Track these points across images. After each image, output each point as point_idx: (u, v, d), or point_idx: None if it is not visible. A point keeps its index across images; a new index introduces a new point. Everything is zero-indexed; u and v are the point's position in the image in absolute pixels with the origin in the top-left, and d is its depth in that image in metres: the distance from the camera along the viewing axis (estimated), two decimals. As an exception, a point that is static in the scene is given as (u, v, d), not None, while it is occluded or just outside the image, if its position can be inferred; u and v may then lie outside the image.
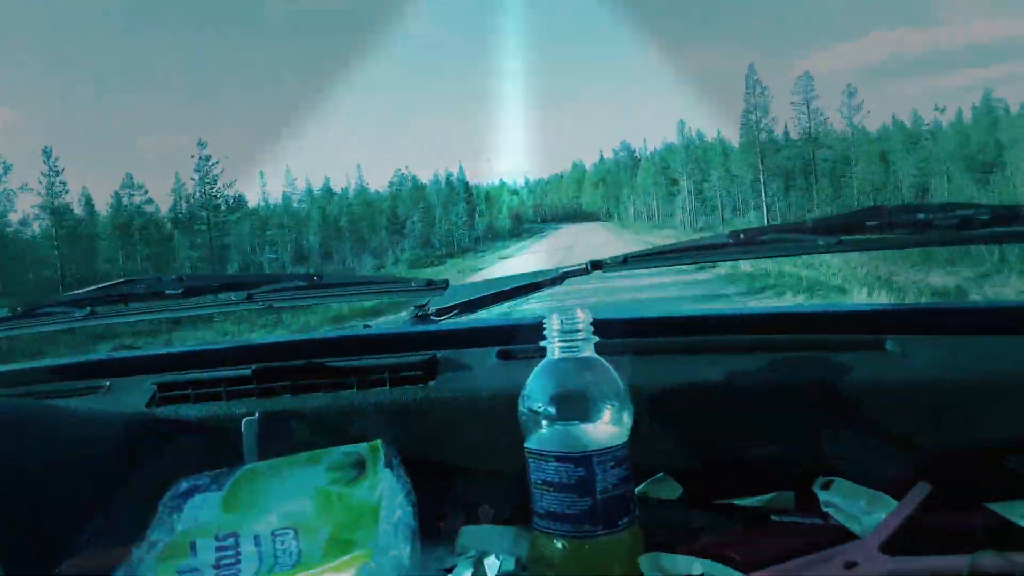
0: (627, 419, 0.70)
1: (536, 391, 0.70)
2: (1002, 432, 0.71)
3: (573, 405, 0.68)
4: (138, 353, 1.00)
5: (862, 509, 0.72)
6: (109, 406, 0.91)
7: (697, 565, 0.65)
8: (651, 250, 0.84)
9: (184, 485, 0.79)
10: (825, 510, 0.73)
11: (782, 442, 0.76)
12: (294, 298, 0.93)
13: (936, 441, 0.73)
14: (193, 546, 0.70)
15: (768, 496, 0.76)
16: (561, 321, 0.71)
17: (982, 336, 0.78)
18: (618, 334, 0.87)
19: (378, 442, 0.80)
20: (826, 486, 0.75)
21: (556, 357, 0.71)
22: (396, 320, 1.13)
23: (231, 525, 0.72)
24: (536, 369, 0.71)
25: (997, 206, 0.72)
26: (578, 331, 0.71)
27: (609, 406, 0.69)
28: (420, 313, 1.10)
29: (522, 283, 1.02)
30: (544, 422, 0.68)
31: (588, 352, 0.71)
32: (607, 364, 0.71)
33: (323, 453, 0.80)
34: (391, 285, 0.95)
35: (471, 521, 0.80)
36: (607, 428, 0.68)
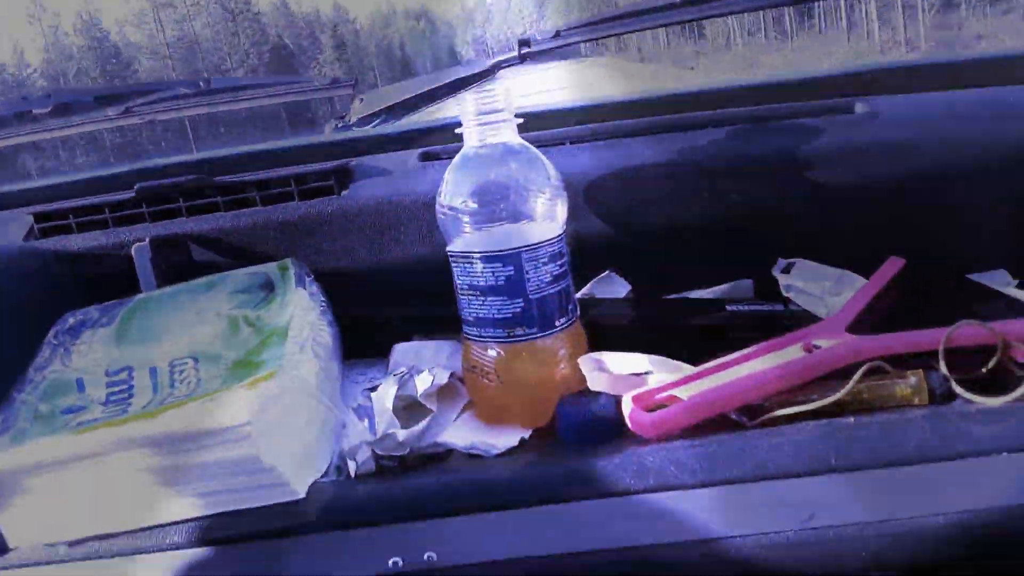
0: (561, 210, 0.61)
1: (453, 186, 0.60)
2: (977, 191, 0.64)
3: (495, 197, 0.59)
4: (11, 187, 0.88)
5: (827, 290, 0.65)
6: None
7: (643, 361, 0.58)
8: (586, 20, 0.72)
9: (70, 319, 0.70)
10: (786, 295, 0.66)
11: (741, 223, 0.68)
12: (180, 108, 0.80)
13: (910, 209, 0.66)
14: (80, 383, 0.62)
15: (723, 286, 0.69)
16: (476, 102, 0.60)
17: (956, 91, 0.69)
18: (552, 125, 0.77)
19: (287, 260, 0.71)
20: (787, 269, 0.67)
21: (474, 144, 0.61)
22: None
23: (124, 359, 0.64)
24: (452, 162, 0.61)
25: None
26: (498, 111, 0.60)
27: (538, 196, 0.59)
28: (340, 125, 0.98)
29: (450, 80, 0.90)
30: (465, 220, 0.59)
31: (511, 136, 0.61)
32: (534, 149, 0.61)
33: (226, 276, 0.71)
34: (290, 86, 0.82)
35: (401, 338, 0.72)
36: (537, 222, 0.59)
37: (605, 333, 0.64)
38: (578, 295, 0.70)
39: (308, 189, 0.75)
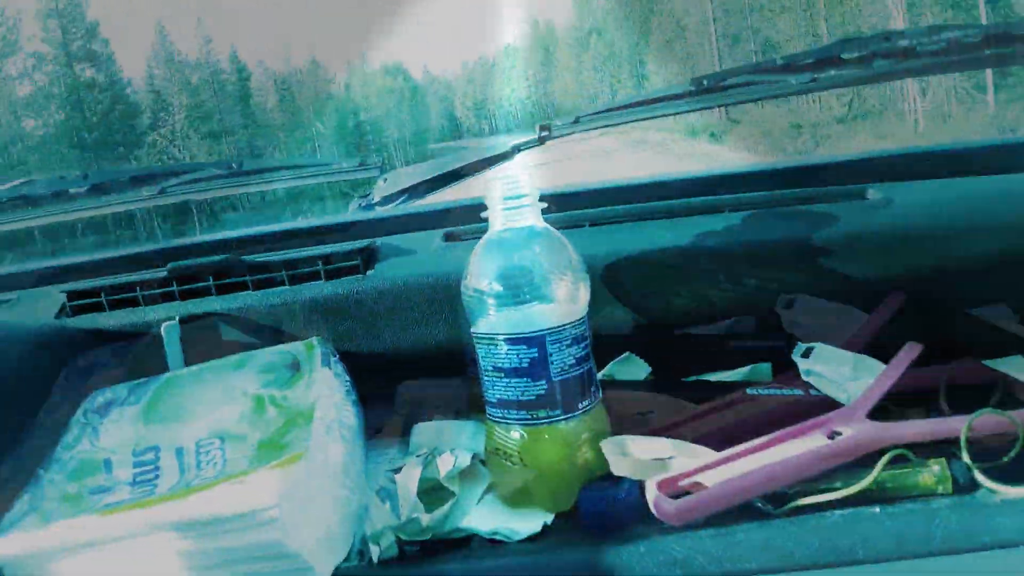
0: (583, 293, 0.62)
1: (478, 268, 0.62)
2: (993, 279, 0.65)
3: (520, 280, 0.60)
4: (45, 263, 0.91)
5: (847, 375, 0.65)
6: (16, 319, 0.81)
7: (666, 446, 0.59)
8: (604, 107, 0.75)
9: (99, 398, 0.71)
10: (806, 380, 0.66)
11: (758, 307, 0.69)
12: (211, 188, 0.83)
13: (925, 294, 0.66)
14: (108, 463, 0.63)
15: (743, 370, 0.70)
16: (502, 187, 0.62)
17: (967, 178, 0.70)
18: (572, 207, 0.79)
19: (314, 340, 0.72)
20: (807, 353, 0.68)
21: (499, 228, 0.62)
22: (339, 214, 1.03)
23: (151, 439, 0.65)
24: (478, 244, 0.63)
25: (988, 26, 0.63)
26: (522, 196, 0.62)
27: (561, 279, 0.61)
28: (364, 204, 1.01)
29: (471, 161, 0.93)
30: (490, 302, 0.60)
31: (535, 221, 0.63)
32: (557, 233, 0.63)
33: (253, 355, 0.72)
34: (319, 168, 0.85)
35: (424, 418, 0.73)
36: (560, 304, 0.60)
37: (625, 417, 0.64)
38: (599, 375, 0.70)
39: (335, 269, 0.77)
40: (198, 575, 0.52)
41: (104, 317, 0.79)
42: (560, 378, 0.60)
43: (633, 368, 0.72)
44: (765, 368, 0.70)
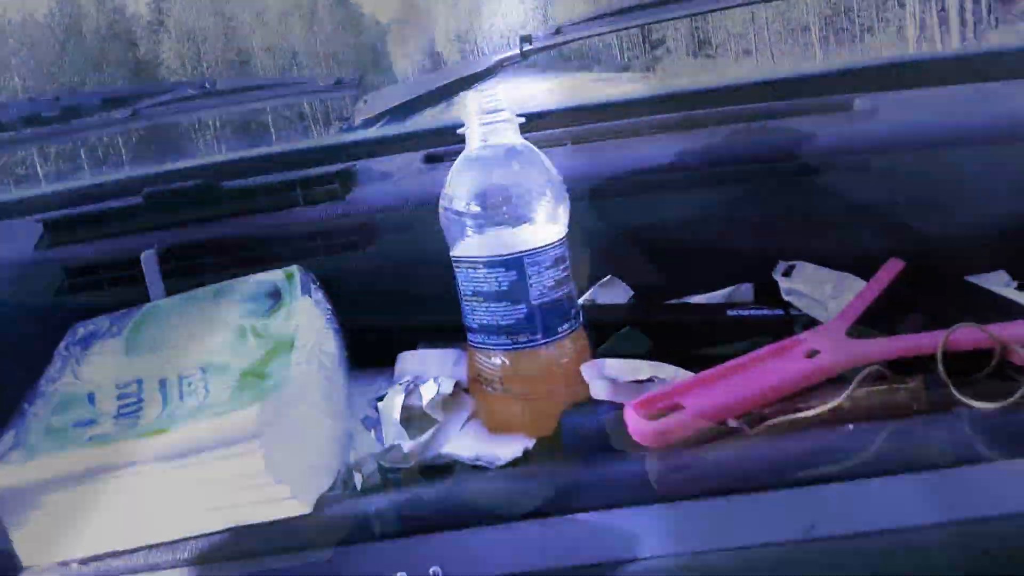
0: (563, 214, 0.61)
1: (455, 189, 0.61)
2: (977, 189, 0.64)
3: (497, 200, 0.59)
4: (20, 194, 0.89)
5: (828, 294, 0.65)
6: None
7: (644, 368, 0.59)
8: (587, 16, 0.72)
9: (80, 330, 0.71)
10: (786, 299, 0.66)
11: (742, 224, 0.68)
12: (185, 110, 0.80)
13: (911, 208, 0.66)
14: (91, 396, 0.63)
15: (724, 291, 0.70)
16: (479, 102, 0.60)
17: (954, 85, 0.68)
18: (553, 125, 0.77)
19: (294, 268, 0.71)
20: (787, 272, 0.67)
21: (476, 146, 0.61)
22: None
23: (134, 371, 0.65)
24: (454, 164, 0.61)
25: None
26: (499, 111, 0.60)
27: (541, 198, 0.60)
28: (345, 126, 0.99)
29: (453, 79, 0.90)
30: (468, 224, 0.59)
31: (513, 138, 0.61)
32: (536, 150, 0.61)
33: (233, 284, 0.71)
34: (294, 87, 0.82)
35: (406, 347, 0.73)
36: (539, 225, 0.59)
37: (607, 338, 0.64)
38: (580, 300, 0.70)
39: (313, 194, 0.76)
40: (182, 505, 0.53)
41: (81, 247, 0.78)
42: (540, 301, 0.59)
43: (615, 291, 0.71)
44: (747, 288, 0.69)
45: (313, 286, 0.70)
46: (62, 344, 0.69)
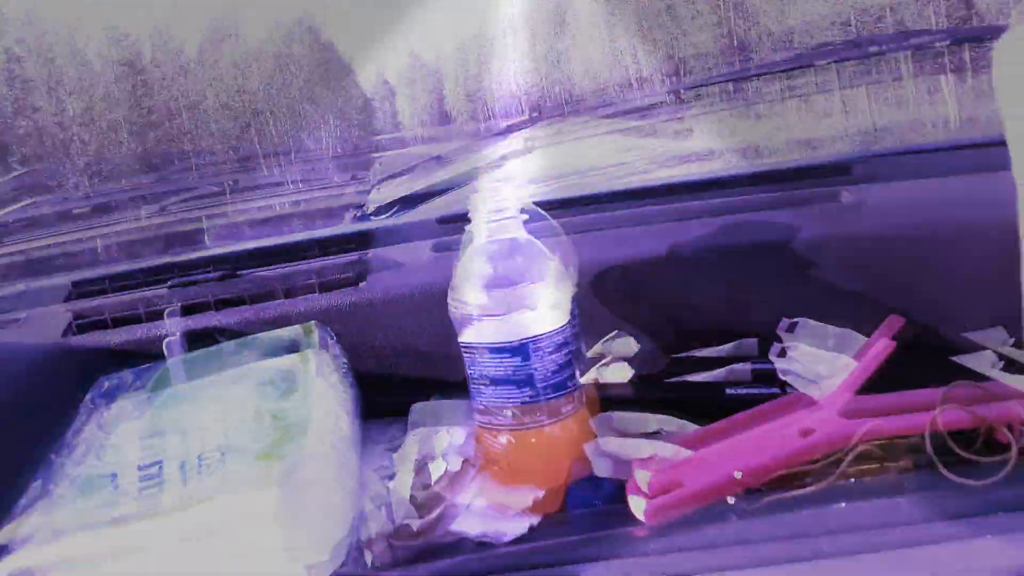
0: (565, 301, 0.65)
1: (462, 281, 0.64)
2: (966, 276, 0.67)
3: (501, 291, 0.62)
4: (51, 281, 0.94)
5: (821, 374, 0.67)
6: (25, 338, 0.85)
7: (647, 446, 0.61)
8: (586, 119, 0.77)
9: (105, 383, 0.75)
10: (783, 379, 0.69)
11: (736, 312, 0.71)
12: (208, 206, 0.85)
13: (898, 295, 0.69)
14: (114, 477, 0.66)
15: (729, 345, 0.72)
16: (486, 201, 0.64)
17: (939, 178, 0.72)
18: (555, 215, 0.81)
19: (311, 324, 0.75)
20: (783, 353, 0.70)
21: (482, 241, 0.65)
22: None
23: (155, 453, 0.68)
24: (461, 258, 0.65)
25: (959, 28, 0.65)
26: (504, 209, 0.64)
27: (543, 288, 0.63)
28: (359, 215, 1.04)
29: (463, 171, 0.95)
30: (473, 313, 0.63)
31: (517, 232, 0.65)
32: (538, 243, 0.65)
33: (256, 338, 0.75)
34: (312, 183, 0.88)
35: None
36: (543, 312, 0.62)
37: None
38: (589, 353, 0.73)
39: (329, 282, 0.80)
40: (202, 581, 0.55)
41: (109, 334, 0.81)
42: (543, 384, 0.62)
43: (623, 346, 0.74)
44: (751, 343, 0.72)
45: (331, 340, 0.74)
46: (87, 397, 0.73)
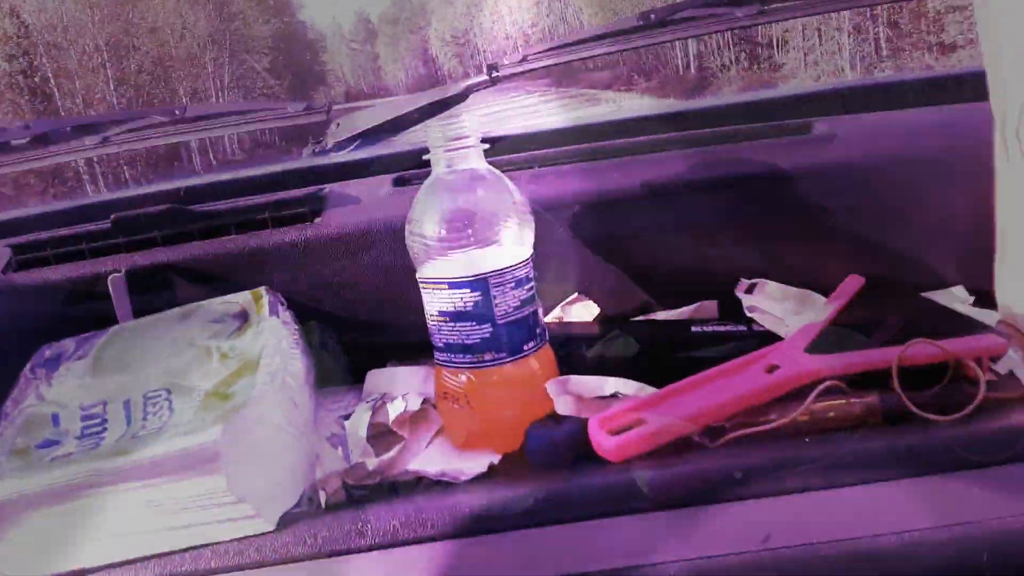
0: (527, 235, 0.62)
1: (421, 213, 0.61)
2: (932, 208, 0.66)
3: (460, 224, 0.60)
4: None
5: (789, 310, 0.66)
6: None
7: (608, 384, 0.59)
8: (550, 45, 0.74)
9: (46, 352, 0.70)
10: (749, 315, 0.67)
11: (705, 244, 0.70)
12: (156, 136, 0.81)
13: (869, 227, 0.67)
14: (56, 417, 0.63)
15: (688, 307, 0.71)
16: (443, 129, 0.61)
17: (910, 109, 0.70)
18: (519, 149, 0.78)
19: (261, 289, 0.72)
20: (750, 290, 0.69)
21: (441, 170, 0.62)
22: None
23: (98, 392, 0.65)
24: (420, 188, 0.62)
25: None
26: (464, 138, 0.61)
27: (504, 221, 0.60)
28: (317, 149, 1.00)
29: (423, 104, 0.91)
30: (431, 246, 0.60)
31: (478, 163, 0.62)
32: (499, 174, 0.62)
33: (200, 306, 0.72)
34: (265, 112, 0.83)
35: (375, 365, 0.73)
36: (502, 247, 0.60)
37: (573, 356, 0.65)
38: (547, 318, 0.71)
39: (282, 217, 0.76)
40: (146, 525, 0.53)
41: (50, 271, 0.78)
42: (505, 321, 0.60)
43: (582, 309, 0.72)
44: (711, 305, 0.71)
45: (281, 307, 0.70)
46: (28, 366, 0.69)
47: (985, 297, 0.61)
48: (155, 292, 0.76)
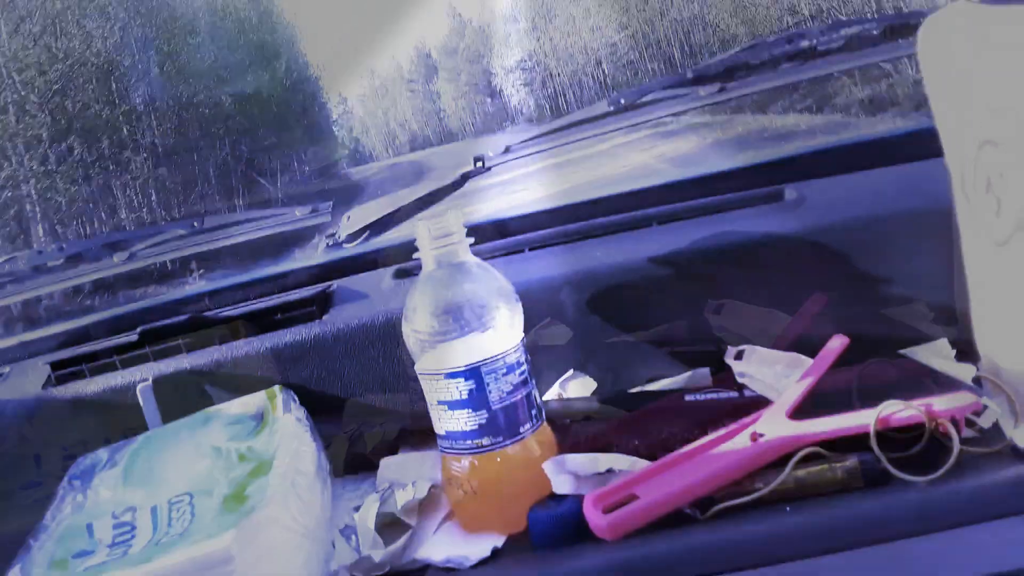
0: (516, 321, 0.65)
1: (413, 308, 0.65)
2: (906, 265, 0.67)
3: (450, 316, 0.63)
4: (31, 335, 0.96)
5: (779, 374, 0.68)
6: (7, 393, 0.86)
7: (602, 460, 0.62)
8: (533, 136, 0.78)
9: (83, 463, 0.75)
10: (740, 381, 0.69)
11: (690, 317, 0.72)
12: (179, 248, 0.87)
13: (847, 289, 0.69)
14: (90, 527, 0.67)
15: (682, 376, 0.73)
16: (429, 228, 0.65)
17: (879, 169, 0.72)
18: (499, 235, 0.82)
19: (275, 388, 0.76)
20: (738, 355, 0.70)
21: (430, 267, 0.66)
22: (310, 254, 1.07)
23: (129, 499, 0.69)
24: (412, 286, 0.66)
25: (886, 15, 0.65)
26: (449, 235, 0.65)
27: (492, 311, 0.64)
28: (331, 243, 1.05)
29: (423, 194, 0.96)
30: (425, 340, 0.64)
31: (465, 257, 0.66)
32: (486, 265, 0.66)
33: (219, 409, 0.76)
34: (274, 219, 0.89)
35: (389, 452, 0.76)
36: (492, 334, 0.63)
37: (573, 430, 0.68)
38: (545, 396, 0.74)
39: (291, 317, 0.81)
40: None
41: (85, 383, 0.83)
42: (500, 405, 0.63)
43: (579, 385, 0.75)
44: (703, 372, 0.72)
45: (294, 403, 0.74)
46: (66, 477, 0.74)
47: (968, 350, 0.62)
48: (182, 398, 0.80)
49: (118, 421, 0.80)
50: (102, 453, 0.75)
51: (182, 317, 0.82)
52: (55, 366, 0.85)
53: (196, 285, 0.93)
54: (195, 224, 0.89)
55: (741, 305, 0.69)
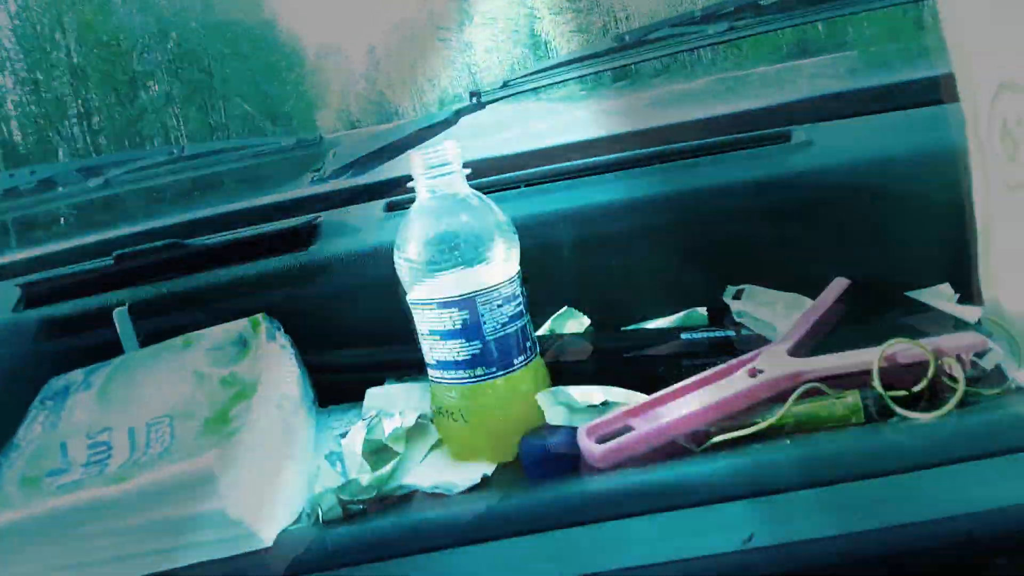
0: (512, 253, 0.64)
1: (407, 238, 0.63)
2: (913, 207, 0.66)
3: (448, 246, 0.61)
4: (2, 259, 0.92)
5: (777, 314, 0.67)
6: None
7: (597, 394, 0.61)
8: (532, 70, 0.76)
9: (56, 384, 0.73)
10: (738, 321, 0.68)
11: (691, 253, 0.71)
12: (155, 176, 0.84)
13: (852, 229, 0.68)
14: (63, 446, 0.65)
15: (677, 315, 0.72)
16: (424, 157, 0.63)
17: (887, 113, 0.71)
18: (505, 169, 0.80)
19: (259, 316, 0.74)
20: (737, 295, 0.70)
21: (424, 197, 0.64)
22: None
23: (105, 421, 0.67)
24: (405, 215, 0.64)
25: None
26: (445, 164, 0.63)
27: (489, 241, 0.62)
28: (315, 178, 1.02)
29: (414, 130, 0.94)
30: (419, 269, 0.62)
31: (460, 187, 0.64)
32: (483, 197, 0.64)
33: (201, 334, 0.73)
34: (259, 147, 0.86)
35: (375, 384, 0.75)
36: (487, 266, 0.62)
37: (565, 368, 0.66)
38: (538, 332, 0.72)
39: (277, 246, 0.78)
40: (147, 547, 0.54)
41: (57, 307, 0.80)
42: (493, 337, 0.61)
43: (573, 322, 0.73)
44: (700, 312, 0.71)
45: (278, 332, 0.72)
46: (38, 398, 0.71)
47: (971, 293, 0.61)
48: (159, 322, 0.78)
49: (93, 345, 0.78)
50: (77, 374, 0.73)
51: (158, 243, 0.79)
52: (26, 288, 0.82)
53: (175, 216, 0.89)
54: (174, 151, 0.86)
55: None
